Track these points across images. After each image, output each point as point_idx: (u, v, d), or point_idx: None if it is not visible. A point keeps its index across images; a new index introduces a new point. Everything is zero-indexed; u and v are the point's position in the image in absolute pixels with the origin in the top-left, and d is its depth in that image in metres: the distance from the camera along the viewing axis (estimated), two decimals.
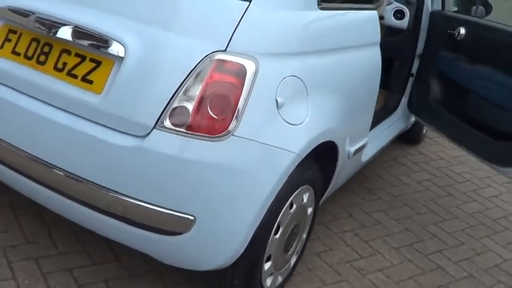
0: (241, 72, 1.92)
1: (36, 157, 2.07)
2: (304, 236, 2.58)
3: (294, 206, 2.30)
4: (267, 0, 2.03)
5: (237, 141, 1.91)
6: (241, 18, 1.95)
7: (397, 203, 3.53)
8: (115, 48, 1.96)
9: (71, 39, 2.01)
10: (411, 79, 3.70)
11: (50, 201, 2.19)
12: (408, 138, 4.27)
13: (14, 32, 2.19)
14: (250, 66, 1.93)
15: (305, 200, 2.40)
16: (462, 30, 3.27)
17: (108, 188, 1.95)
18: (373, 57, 2.79)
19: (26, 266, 2.39)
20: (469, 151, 3.30)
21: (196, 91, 1.89)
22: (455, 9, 3.74)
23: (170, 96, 1.89)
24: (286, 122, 2.05)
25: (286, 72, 2.07)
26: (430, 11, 3.56)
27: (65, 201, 2.07)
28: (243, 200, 1.98)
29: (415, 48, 3.68)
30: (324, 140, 2.30)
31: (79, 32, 2.01)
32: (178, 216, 1.93)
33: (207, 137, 1.89)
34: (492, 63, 3.12)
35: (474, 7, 3.80)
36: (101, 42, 1.97)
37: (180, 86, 1.89)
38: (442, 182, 3.97)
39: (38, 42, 2.13)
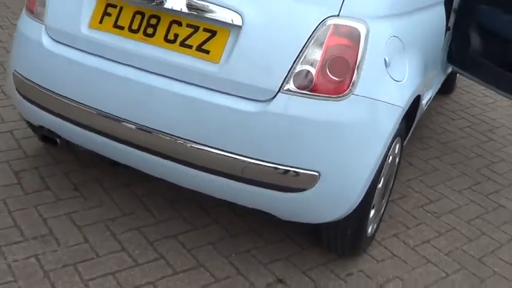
0: (355, 35, 2.01)
1: (153, 128, 2.13)
2: (391, 184, 2.72)
3: (391, 157, 2.42)
4: None
5: (357, 99, 2.01)
6: None
7: (447, 150, 3.68)
8: (231, 17, 2.02)
9: (183, 10, 2.06)
10: (448, 32, 3.81)
11: (160, 169, 2.26)
12: (442, 88, 4.41)
13: (114, 6, 2.22)
14: (362, 29, 2.01)
15: (396, 151, 2.52)
16: None
17: (236, 153, 2.04)
18: (441, 14, 2.91)
19: (131, 237, 2.47)
20: (510, 96, 3.45)
21: (318, 55, 1.97)
22: None
23: (293, 61, 1.98)
24: (393, 79, 2.16)
25: (390, 33, 2.16)
26: None
27: (185, 169, 2.15)
28: (363, 153, 2.09)
29: (451, 3, 3.78)
30: (417, 94, 2.42)
31: (192, 3, 2.05)
32: (305, 173, 2.04)
33: (331, 97, 1.98)
34: None
35: None
36: (216, 12, 2.03)
37: (301, 51, 1.98)
38: (481, 128, 4.13)
39: (143, 14, 2.16)
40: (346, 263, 2.50)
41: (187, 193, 2.69)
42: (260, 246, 2.53)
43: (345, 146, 2.05)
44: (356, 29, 2.01)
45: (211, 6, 2.04)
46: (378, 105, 2.09)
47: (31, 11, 2.44)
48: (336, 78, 1.99)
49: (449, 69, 3.98)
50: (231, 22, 2.02)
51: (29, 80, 2.39)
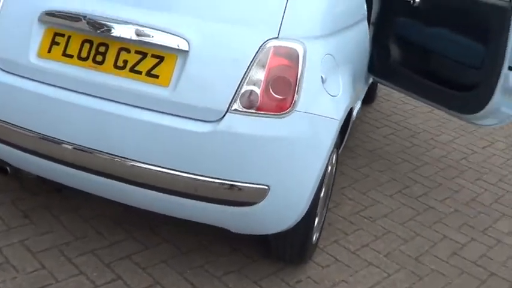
0: (295, 55, 2.16)
1: (105, 152, 2.20)
2: (330, 193, 2.89)
3: (329, 167, 2.59)
4: None
5: (299, 115, 2.16)
6: (285, 6, 2.19)
7: (375, 157, 3.91)
8: (178, 43, 2.13)
9: (131, 37, 2.15)
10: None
11: (116, 192, 2.33)
12: (365, 98, 4.67)
13: (61, 35, 2.28)
14: (300, 49, 2.17)
15: (333, 161, 2.70)
16: None
17: (190, 172, 2.15)
18: (365, 29, 3.13)
19: (86, 260, 2.52)
20: (431, 103, 3.72)
21: (261, 75, 2.11)
22: None
23: (238, 82, 2.10)
24: (330, 95, 2.32)
25: (324, 51, 2.33)
26: None
27: (140, 190, 2.23)
28: (307, 165, 2.24)
29: (369, 17, 4.04)
30: (350, 107, 2.60)
31: (139, 31, 2.15)
32: (255, 187, 2.16)
33: (275, 114, 2.13)
34: (449, 25, 3.54)
35: None
36: (163, 38, 2.14)
37: (246, 72, 2.11)
38: (403, 134, 4.39)
39: (91, 43, 2.23)
40: (294, 271, 2.64)
41: (135, 213, 2.76)
42: (212, 260, 2.63)
43: (291, 159, 2.19)
44: (295, 49, 2.17)
45: (158, 33, 2.14)
46: (318, 119, 2.24)
47: None
48: (279, 97, 2.13)
49: (371, 80, 4.24)
50: (178, 47, 2.12)
51: None
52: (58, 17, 2.28)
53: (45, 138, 2.28)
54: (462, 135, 4.56)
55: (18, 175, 2.87)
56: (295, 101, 2.14)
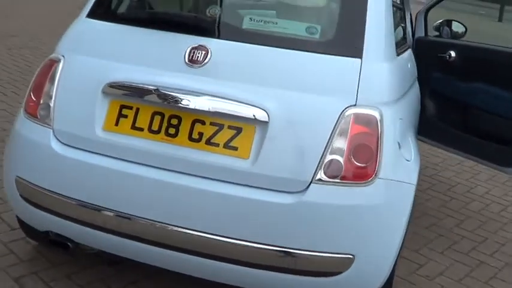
0: (374, 122, 2.15)
1: (180, 226, 2.14)
2: None
3: None
4: (373, 56, 2.26)
5: (382, 182, 2.13)
6: (360, 74, 2.18)
7: (418, 213, 3.87)
8: (257, 114, 2.11)
9: (206, 109, 2.13)
10: None
11: (190, 266, 2.26)
12: None
13: (129, 108, 2.25)
14: (378, 115, 2.16)
15: None
16: (453, 53, 3.69)
17: (273, 245, 2.09)
18: (417, 89, 3.15)
19: None
20: (470, 156, 3.72)
21: (343, 144, 2.09)
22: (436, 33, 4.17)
23: (321, 152, 2.08)
24: (405, 159, 2.30)
25: (397, 116, 2.32)
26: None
27: (212, 263, 2.17)
28: (392, 230, 2.21)
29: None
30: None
31: (215, 102, 2.13)
32: (340, 257, 2.11)
33: (359, 183, 2.10)
34: (485, 79, 3.57)
35: (441, 28, 4.26)
36: (241, 110, 2.11)
37: (328, 141, 2.09)
38: (440, 188, 4.36)
39: (162, 115, 2.20)
40: None
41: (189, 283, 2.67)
42: None
43: (375, 227, 2.15)
44: (373, 116, 2.15)
45: (235, 104, 2.12)
46: (399, 186, 2.22)
47: (33, 115, 2.41)
48: (362, 165, 2.10)
49: None
50: (257, 118, 2.11)
51: (36, 185, 2.34)
52: (124, 89, 2.25)
53: (113, 213, 2.22)
54: (496, 186, 4.54)
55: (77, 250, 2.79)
56: (377, 169, 2.12)
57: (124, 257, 2.41)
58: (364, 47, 2.22)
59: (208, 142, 2.15)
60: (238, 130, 2.13)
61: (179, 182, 2.15)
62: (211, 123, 2.15)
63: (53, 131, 2.33)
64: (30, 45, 7.27)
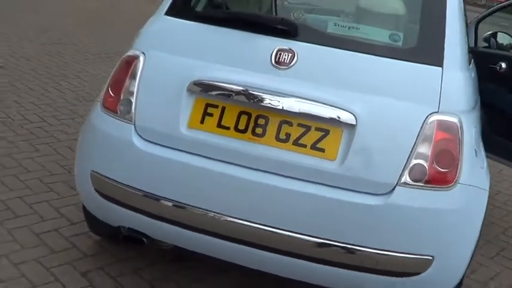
0: (455, 128, 2.20)
1: (262, 224, 2.20)
2: None
3: None
4: (452, 64, 2.30)
5: (462, 188, 2.19)
6: (441, 82, 2.24)
7: None
8: (345, 117, 2.16)
9: (295, 110, 2.18)
10: None
11: (270, 263, 2.31)
12: None
13: (215, 106, 2.29)
14: (458, 122, 2.22)
15: None
16: (503, 64, 3.74)
17: (356, 245, 2.15)
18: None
19: None
20: None
21: (428, 149, 2.14)
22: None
23: (407, 156, 2.14)
24: (480, 167, 2.37)
25: (473, 124, 2.38)
26: None
27: (291, 261, 2.23)
28: (469, 234, 2.27)
29: None
30: None
31: (304, 104, 2.18)
32: (421, 258, 2.17)
33: (441, 187, 2.15)
34: None
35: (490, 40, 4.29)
36: (330, 112, 2.17)
37: (413, 146, 2.14)
38: None
39: (249, 115, 2.25)
40: None
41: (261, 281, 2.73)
42: None
43: (454, 230, 2.21)
44: (455, 123, 2.21)
45: (324, 107, 2.17)
46: (476, 191, 2.27)
47: (112, 110, 2.45)
48: (445, 170, 2.16)
49: None
50: (345, 121, 2.16)
51: (114, 180, 2.39)
52: (210, 88, 2.29)
53: (195, 209, 2.27)
54: None
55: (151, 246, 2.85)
56: (458, 174, 2.18)
57: (197, 253, 2.47)
58: (444, 56, 2.28)
59: (296, 143, 2.20)
60: (326, 132, 2.19)
61: (265, 181, 2.20)
62: (299, 125, 2.21)
63: (135, 127, 2.37)
64: (64, 41, 7.36)
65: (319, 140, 2.19)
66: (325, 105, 2.18)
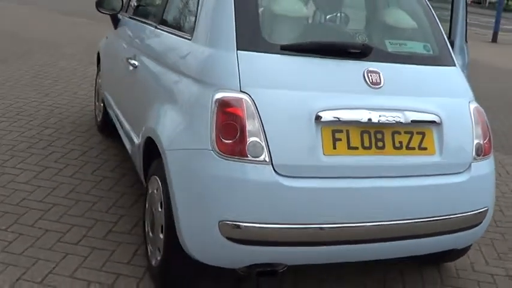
0: (483, 113, 3.07)
1: (403, 219, 2.71)
2: None
3: None
4: (458, 64, 3.16)
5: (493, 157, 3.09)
6: (460, 77, 3.10)
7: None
8: (436, 119, 2.82)
9: (403, 121, 2.71)
10: None
11: (398, 249, 2.85)
12: None
13: (339, 131, 2.62)
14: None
15: None
16: None
17: (452, 214, 2.83)
18: None
19: None
20: None
21: (480, 131, 2.97)
22: None
23: (471, 139, 2.93)
24: None
25: None
26: None
27: (408, 242, 2.81)
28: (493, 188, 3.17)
29: None
30: None
31: (409, 114, 2.74)
32: (484, 210, 2.97)
33: (489, 155, 3.01)
34: None
35: None
36: (426, 118, 2.79)
37: (472, 131, 2.94)
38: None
39: (369, 133, 2.67)
40: None
41: None
42: None
43: (493, 183, 3.07)
44: (482, 111, 3.06)
45: (422, 114, 2.79)
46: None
47: (237, 154, 2.48)
48: (489, 144, 3.02)
49: None
50: (436, 122, 2.80)
51: (259, 222, 2.49)
52: (336, 115, 2.59)
53: (342, 225, 2.62)
54: None
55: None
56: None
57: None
58: (453, 57, 3.11)
59: (407, 147, 2.74)
60: (423, 134, 2.78)
61: (397, 185, 2.70)
62: (405, 132, 2.74)
63: (273, 166, 2.50)
64: None
65: (421, 141, 2.78)
66: (422, 113, 2.79)
